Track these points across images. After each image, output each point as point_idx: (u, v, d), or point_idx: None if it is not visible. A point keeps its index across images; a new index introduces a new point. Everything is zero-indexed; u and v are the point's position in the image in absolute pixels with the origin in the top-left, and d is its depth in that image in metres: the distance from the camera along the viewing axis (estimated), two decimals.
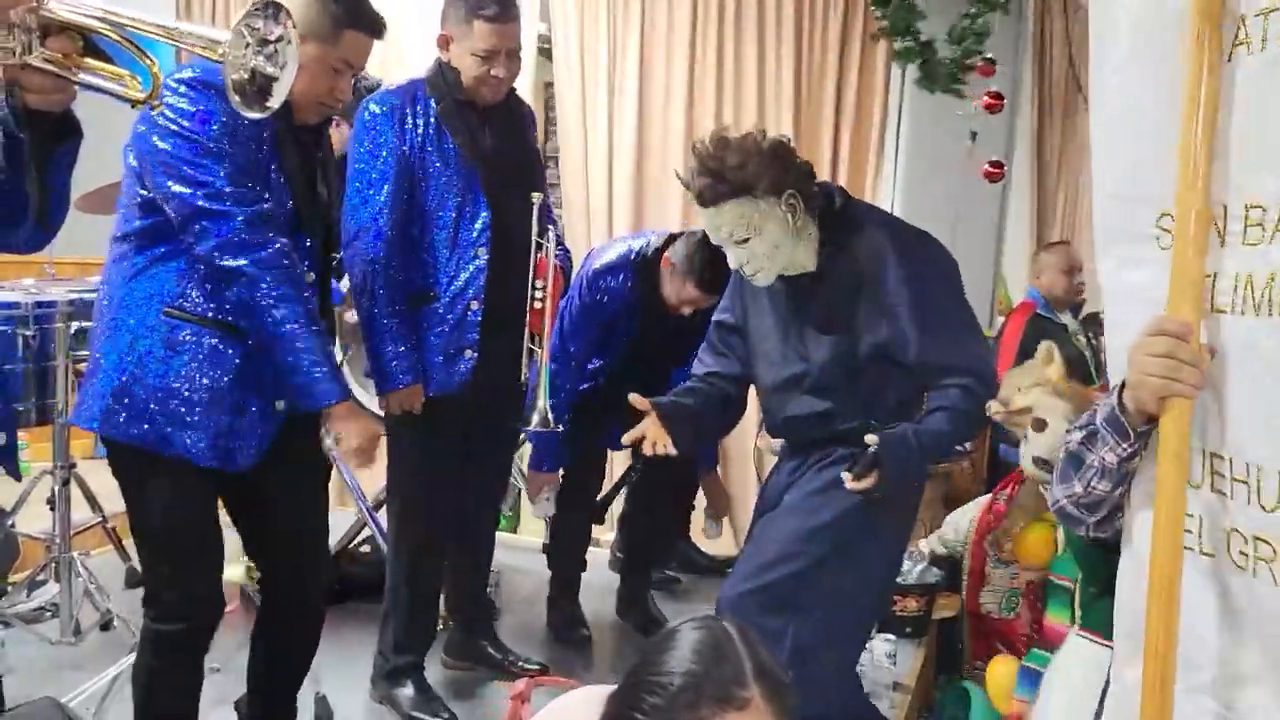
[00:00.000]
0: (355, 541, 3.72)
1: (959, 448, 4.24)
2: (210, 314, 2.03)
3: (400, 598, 2.76)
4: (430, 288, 2.57)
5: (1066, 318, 4.18)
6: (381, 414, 2.64)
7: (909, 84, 4.39)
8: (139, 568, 2.47)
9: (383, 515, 3.69)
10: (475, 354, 2.59)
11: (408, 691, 2.73)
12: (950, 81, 3.93)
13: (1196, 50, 1.21)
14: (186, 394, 2.01)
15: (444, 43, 2.61)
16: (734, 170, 2.14)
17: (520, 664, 3.00)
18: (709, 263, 2.83)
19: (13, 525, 3.35)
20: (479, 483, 2.91)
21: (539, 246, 2.67)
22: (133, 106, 1.61)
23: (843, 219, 2.26)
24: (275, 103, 1.56)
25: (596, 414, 3.14)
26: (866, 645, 2.91)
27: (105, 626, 3.10)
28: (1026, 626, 2.82)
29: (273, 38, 1.57)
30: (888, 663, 2.99)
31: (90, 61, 1.45)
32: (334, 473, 2.71)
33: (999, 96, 4.13)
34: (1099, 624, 1.73)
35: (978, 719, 2.84)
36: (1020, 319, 4.11)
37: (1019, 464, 2.73)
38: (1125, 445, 1.31)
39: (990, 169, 4.27)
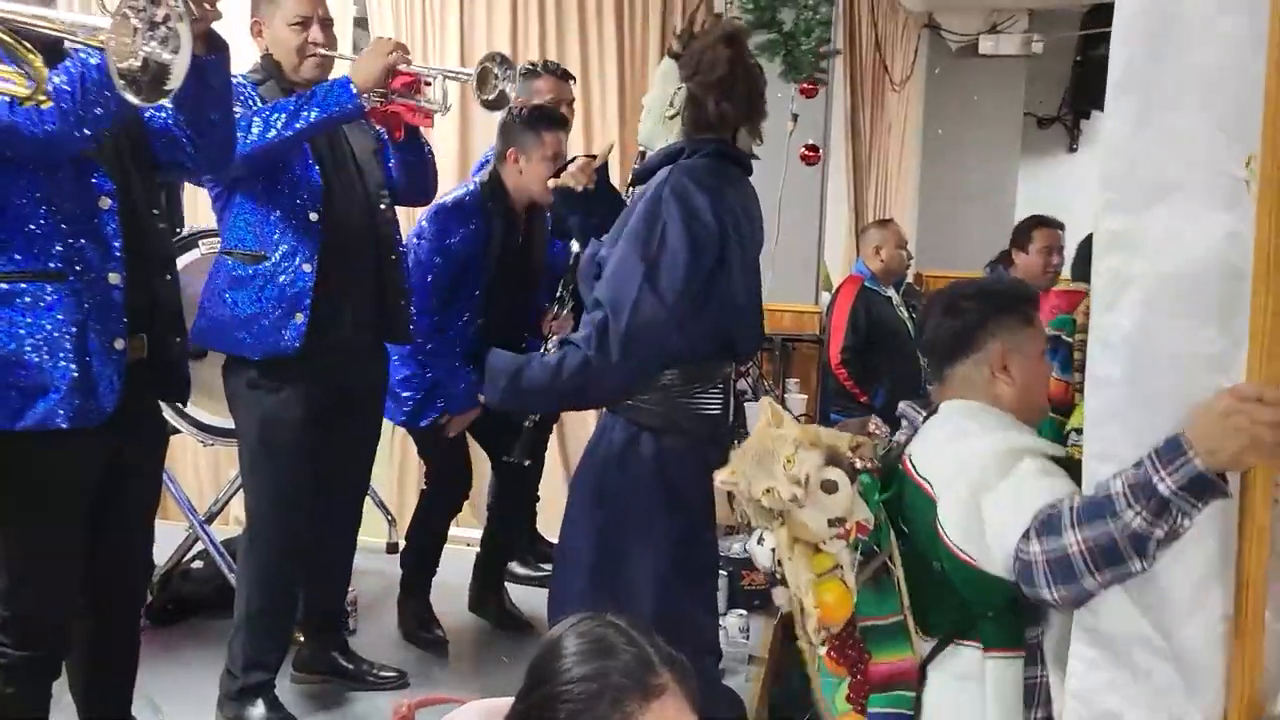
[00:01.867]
0: (187, 557, 3.53)
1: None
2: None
3: (252, 611, 2.65)
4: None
5: (890, 291, 4.38)
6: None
7: None
8: None
9: (217, 528, 3.56)
10: (306, 318, 2.51)
11: (259, 711, 2.61)
12: (813, 70, 4.04)
13: None
14: (26, 356, 1.86)
15: (257, 30, 2.62)
16: (688, 40, 2.29)
17: (376, 673, 2.93)
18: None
19: None
20: (340, 487, 2.82)
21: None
22: (20, 104, 1.63)
23: (679, 155, 2.27)
24: (173, 87, 1.51)
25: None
26: (722, 624, 2.98)
27: None
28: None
29: (159, 18, 1.51)
30: (740, 637, 3.08)
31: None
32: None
33: (814, 81, 4.28)
34: (1008, 640, 1.75)
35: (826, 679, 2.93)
36: (850, 292, 4.28)
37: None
38: (1203, 505, 1.32)
39: (807, 152, 4.43)
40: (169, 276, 2.10)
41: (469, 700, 1.42)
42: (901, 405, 2.00)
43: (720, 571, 3.32)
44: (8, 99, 1.71)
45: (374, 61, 2.49)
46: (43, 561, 1.98)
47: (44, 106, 1.71)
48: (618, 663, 1.15)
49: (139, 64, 1.54)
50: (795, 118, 4.33)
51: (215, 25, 1.91)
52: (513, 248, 3.18)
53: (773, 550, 1.79)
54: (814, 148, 4.43)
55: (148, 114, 2.00)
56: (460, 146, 4.68)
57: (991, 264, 4.80)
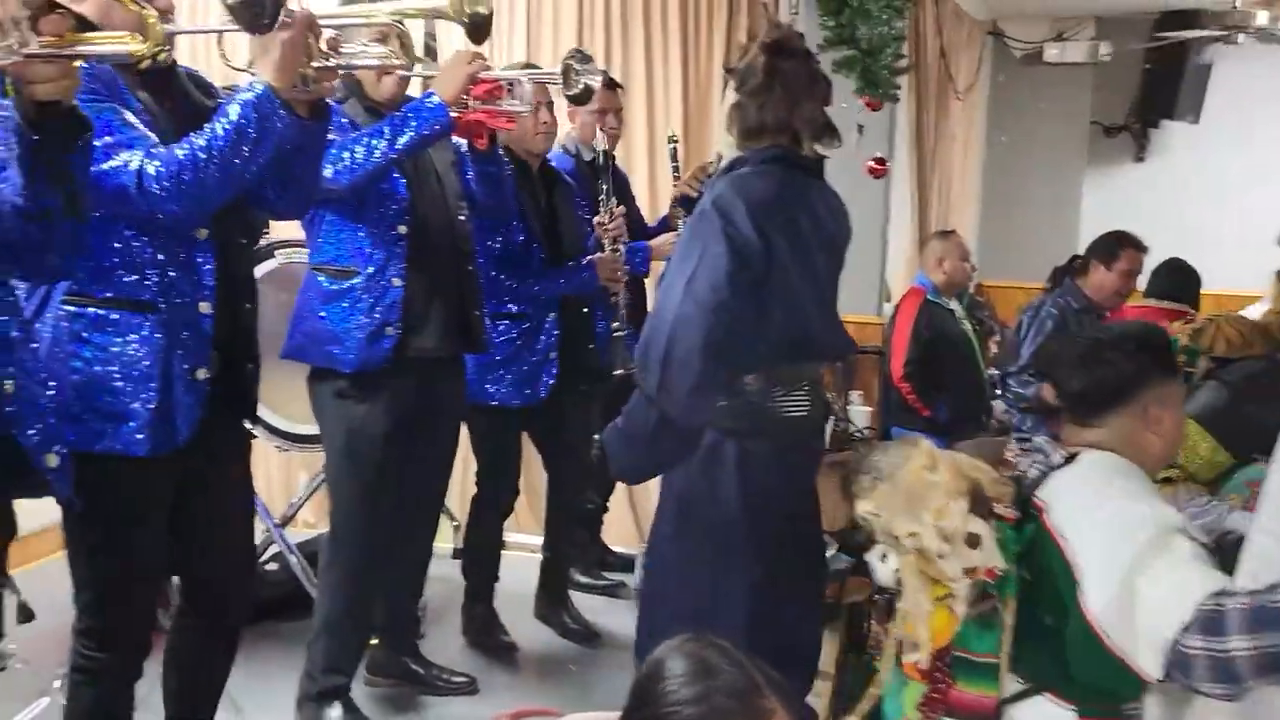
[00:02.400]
0: (262, 560, 3.62)
1: (857, 432, 4.40)
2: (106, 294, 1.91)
3: (332, 617, 2.71)
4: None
5: (953, 303, 4.35)
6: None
7: None
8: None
9: (289, 531, 3.63)
10: (397, 331, 2.56)
11: (336, 713, 2.69)
12: (890, 86, 4.02)
13: None
14: (112, 382, 1.90)
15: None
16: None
17: (447, 678, 2.98)
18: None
19: None
20: (419, 496, 2.87)
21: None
22: (139, 64, 1.61)
23: (736, 166, 2.27)
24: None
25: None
26: None
27: None
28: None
29: None
30: None
31: (86, 35, 1.42)
32: None
33: (885, 97, 4.26)
34: (1106, 709, 1.68)
35: (889, 693, 2.90)
36: (912, 305, 4.25)
37: None
38: None
39: (874, 165, 4.40)
40: (250, 305, 2.13)
41: (566, 714, 1.43)
42: (1039, 439, 1.97)
43: None
44: (135, 174, 1.78)
45: (456, 73, 2.52)
46: (120, 577, 2.01)
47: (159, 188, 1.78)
48: (723, 685, 1.15)
49: None
50: (861, 129, 4.31)
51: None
52: (537, 209, 3.20)
53: (895, 570, 1.79)
54: (881, 160, 4.40)
55: None
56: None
57: (1056, 274, 4.74)
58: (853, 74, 3.90)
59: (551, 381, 3.16)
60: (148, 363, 1.90)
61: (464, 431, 3.06)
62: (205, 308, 1.96)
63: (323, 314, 2.58)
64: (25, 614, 3.27)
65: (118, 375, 1.89)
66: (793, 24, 4.65)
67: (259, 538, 3.56)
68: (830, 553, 3.53)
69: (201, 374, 1.95)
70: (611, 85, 3.67)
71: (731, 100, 2.30)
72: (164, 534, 2.04)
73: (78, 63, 1.44)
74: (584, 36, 4.68)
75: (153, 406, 1.90)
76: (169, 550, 2.07)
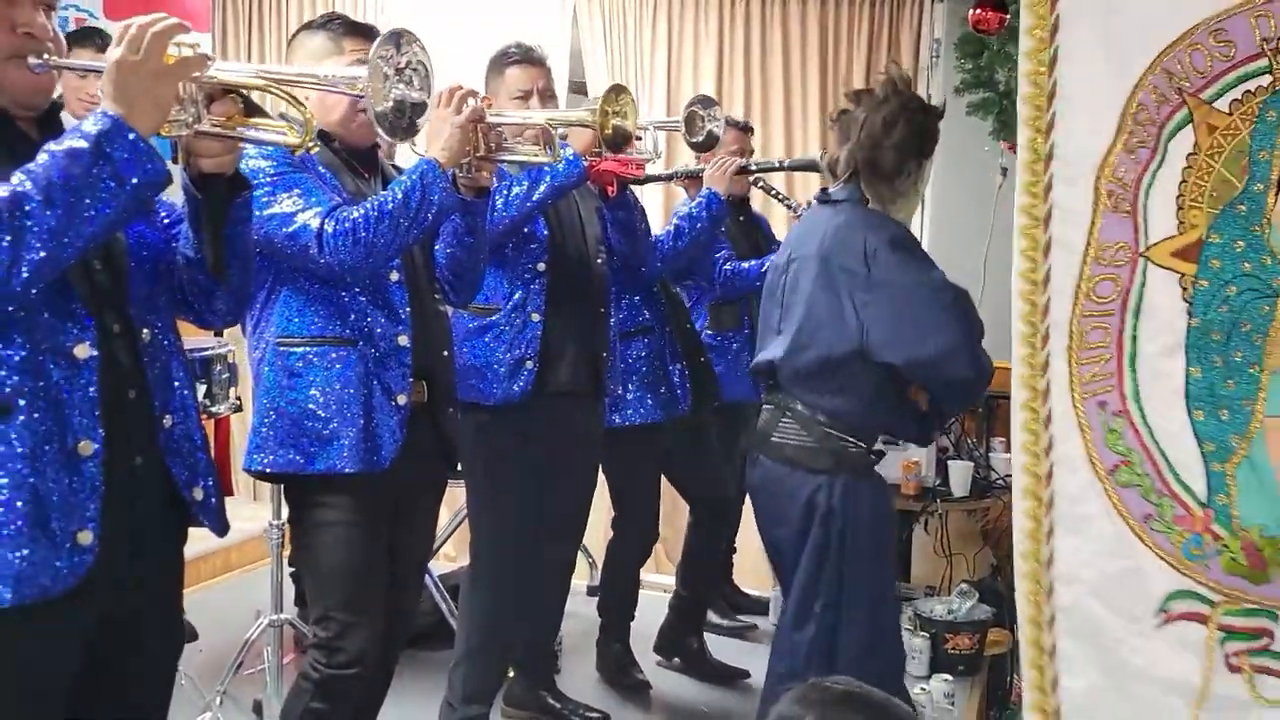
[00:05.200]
0: None
1: (998, 480, 4.29)
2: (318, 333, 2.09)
3: (473, 647, 2.79)
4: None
5: None
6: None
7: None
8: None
9: (433, 564, 3.74)
10: (535, 366, 2.66)
11: None
12: None
13: None
14: (322, 410, 2.06)
15: (487, 103, 2.74)
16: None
17: (582, 713, 3.02)
18: None
19: None
20: (559, 530, 2.92)
21: None
22: (293, 152, 1.84)
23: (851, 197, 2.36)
24: (423, 124, 1.76)
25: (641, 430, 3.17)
26: (924, 687, 2.93)
27: None
28: None
29: (404, 64, 1.71)
30: (945, 703, 3.00)
31: (252, 119, 1.56)
32: None
33: None
34: None
35: None
36: None
37: None
38: None
39: None
40: (446, 353, 2.28)
41: None
42: None
43: (922, 634, 3.27)
44: (316, 232, 1.97)
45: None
46: (349, 591, 2.11)
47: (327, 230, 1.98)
48: None
49: (391, 105, 1.72)
50: (1004, 171, 4.24)
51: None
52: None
53: None
54: None
55: None
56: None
57: None
58: (990, 116, 3.84)
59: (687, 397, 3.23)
60: (351, 391, 2.06)
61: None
62: (403, 340, 2.12)
63: (465, 349, 2.68)
64: (189, 634, 3.48)
65: (325, 404, 2.06)
66: (932, 66, 4.64)
67: None
68: (970, 603, 3.45)
69: (402, 399, 2.10)
70: (745, 129, 3.74)
71: (866, 139, 2.32)
72: (378, 550, 2.15)
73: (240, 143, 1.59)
74: (723, 73, 4.75)
75: (358, 430, 2.05)
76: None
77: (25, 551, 1.41)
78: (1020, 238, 1.73)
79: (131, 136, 1.40)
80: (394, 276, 2.12)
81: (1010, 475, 4.21)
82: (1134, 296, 1.66)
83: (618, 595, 3.41)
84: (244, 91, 1.56)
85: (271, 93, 1.59)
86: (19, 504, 1.41)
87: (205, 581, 4.09)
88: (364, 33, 2.14)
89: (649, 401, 3.15)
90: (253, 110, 1.58)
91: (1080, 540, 1.68)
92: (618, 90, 2.30)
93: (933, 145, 2.36)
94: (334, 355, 2.07)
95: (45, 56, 1.50)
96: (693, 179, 3.52)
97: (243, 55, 5.09)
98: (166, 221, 1.71)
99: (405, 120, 1.75)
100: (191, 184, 1.58)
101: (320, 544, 2.12)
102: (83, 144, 1.38)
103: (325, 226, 1.99)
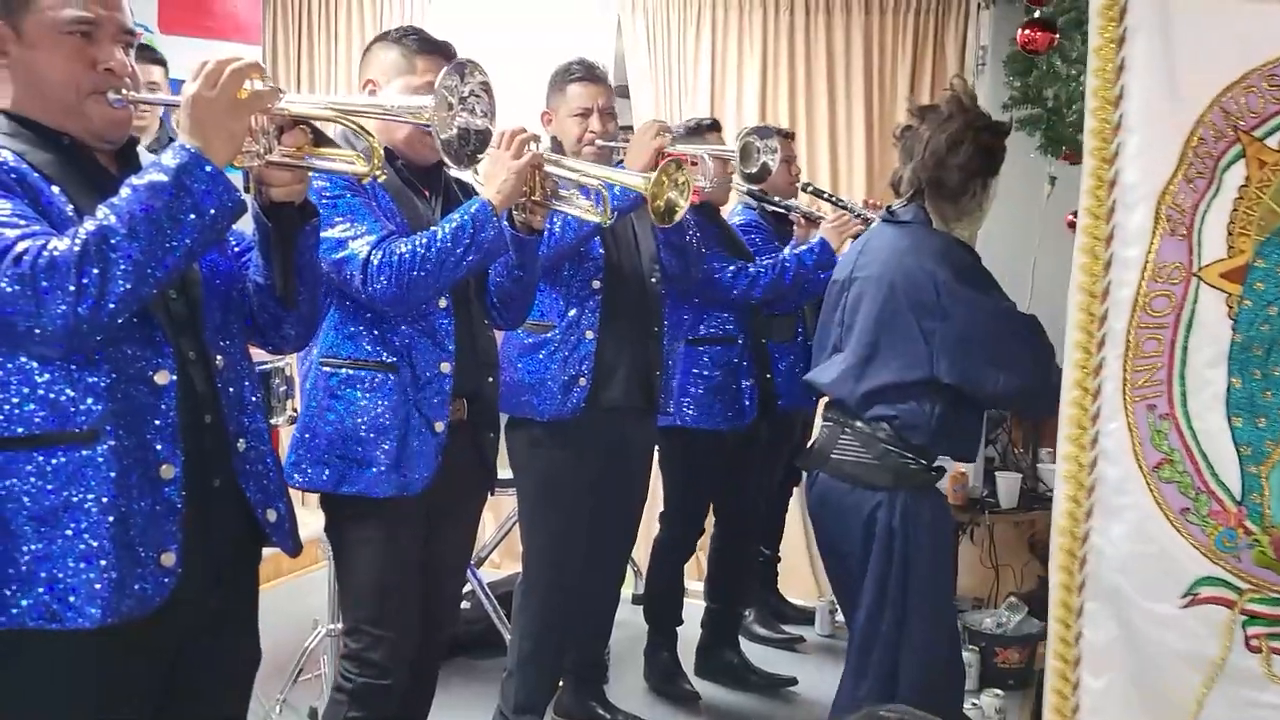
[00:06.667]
0: None
1: (1046, 491, 4.26)
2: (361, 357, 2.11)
3: (524, 657, 2.82)
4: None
5: None
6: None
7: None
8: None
9: (482, 571, 3.79)
10: (589, 382, 2.69)
11: None
12: (1074, 144, 3.95)
13: None
14: (359, 433, 2.08)
15: (546, 120, 2.84)
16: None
17: None
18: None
19: None
20: (609, 543, 2.94)
21: None
22: (359, 180, 1.91)
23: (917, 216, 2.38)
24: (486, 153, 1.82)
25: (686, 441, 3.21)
26: (975, 702, 2.94)
27: None
28: None
29: (467, 93, 1.76)
30: (996, 717, 3.00)
31: (321, 149, 1.61)
32: None
33: (1075, 150, 4.15)
34: None
35: None
36: None
37: None
38: None
39: (1073, 219, 4.27)
40: (491, 380, 2.28)
41: None
42: None
43: (972, 647, 3.27)
44: (363, 262, 1.99)
45: (644, 147, 2.64)
46: (379, 605, 2.14)
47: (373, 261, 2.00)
48: None
49: (455, 134, 1.75)
50: (1053, 180, 4.21)
51: None
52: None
53: None
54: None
55: None
56: None
57: None
58: (1037, 131, 3.82)
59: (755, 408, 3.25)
60: (388, 417, 2.08)
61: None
62: (445, 368, 2.13)
63: (520, 365, 2.72)
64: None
65: (364, 427, 2.08)
66: (977, 75, 4.62)
67: None
68: (1020, 616, 3.44)
69: (439, 426, 2.11)
70: (787, 135, 3.72)
71: (930, 158, 2.32)
72: (410, 566, 2.17)
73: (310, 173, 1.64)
74: (767, 83, 4.75)
75: (392, 457, 2.08)
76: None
77: (113, 574, 1.45)
78: (1081, 254, 1.85)
79: (209, 169, 1.44)
80: (442, 303, 2.13)
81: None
82: (1186, 312, 1.76)
83: (660, 596, 3.43)
84: (313, 122, 1.60)
85: (340, 124, 1.63)
86: (107, 526, 1.46)
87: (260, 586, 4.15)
88: (439, 50, 2.15)
89: (716, 408, 3.20)
90: (321, 140, 1.62)
91: (1117, 524, 1.78)
92: (678, 165, 2.29)
93: (999, 164, 2.35)
94: (374, 379, 2.09)
95: (124, 92, 1.55)
96: (810, 223, 3.51)
97: (292, 63, 5.16)
98: (237, 250, 1.76)
99: (470, 147, 1.78)
100: (262, 212, 1.63)
101: (352, 559, 2.15)
102: (163, 178, 1.42)
103: (372, 258, 2.00)
